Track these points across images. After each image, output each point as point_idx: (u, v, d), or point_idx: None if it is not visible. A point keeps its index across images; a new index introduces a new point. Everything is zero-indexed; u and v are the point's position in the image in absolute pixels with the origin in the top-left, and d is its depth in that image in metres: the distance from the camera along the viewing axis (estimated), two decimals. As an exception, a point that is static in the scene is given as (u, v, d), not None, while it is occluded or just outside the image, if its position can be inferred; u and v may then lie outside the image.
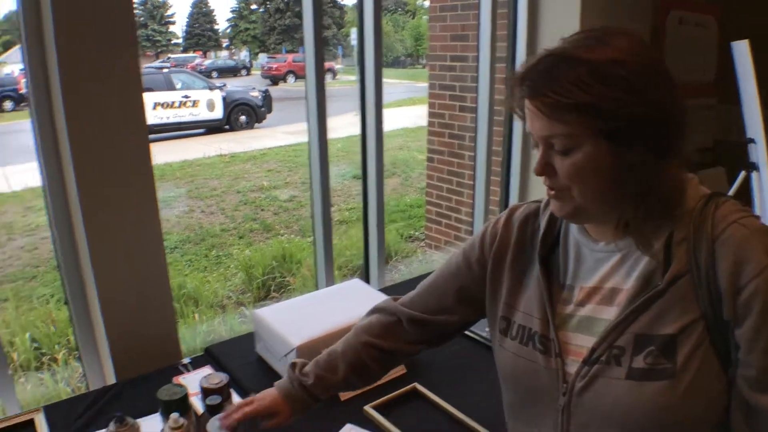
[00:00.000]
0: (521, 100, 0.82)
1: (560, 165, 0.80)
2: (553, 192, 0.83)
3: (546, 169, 0.81)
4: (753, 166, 2.41)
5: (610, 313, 0.84)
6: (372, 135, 2.29)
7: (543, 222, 0.94)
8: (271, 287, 4.09)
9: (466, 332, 1.72)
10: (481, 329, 1.72)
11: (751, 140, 2.35)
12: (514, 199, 2.91)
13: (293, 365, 1.10)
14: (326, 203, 2.22)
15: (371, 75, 2.22)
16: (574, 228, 0.91)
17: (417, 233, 5.18)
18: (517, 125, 2.81)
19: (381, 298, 1.65)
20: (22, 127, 8.08)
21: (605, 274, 0.85)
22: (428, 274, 1.14)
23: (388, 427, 1.33)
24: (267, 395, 1.07)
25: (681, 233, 0.79)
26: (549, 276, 0.91)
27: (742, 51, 2.30)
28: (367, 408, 1.39)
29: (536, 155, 0.83)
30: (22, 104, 10.91)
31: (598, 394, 0.82)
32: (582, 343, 0.85)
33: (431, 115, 3.80)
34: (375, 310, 1.16)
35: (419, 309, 1.09)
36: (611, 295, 0.84)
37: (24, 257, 4.56)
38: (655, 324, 0.79)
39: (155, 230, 1.66)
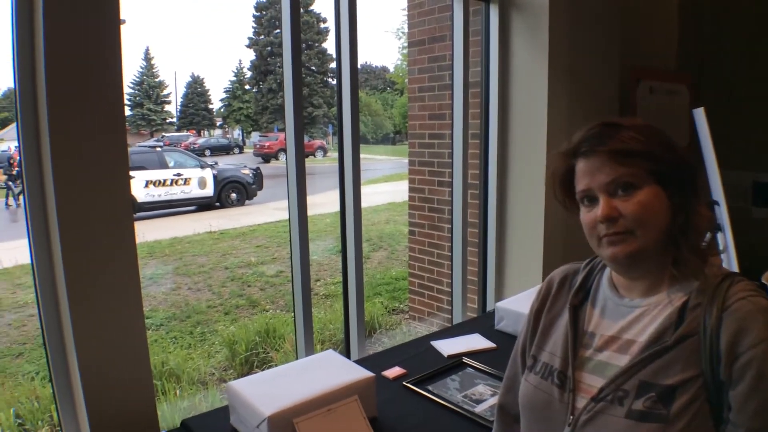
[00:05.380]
0: (572, 165, 1.00)
1: (625, 207, 0.94)
2: (617, 236, 0.95)
3: (612, 212, 0.94)
4: (718, 227, 2.51)
5: (622, 361, 0.96)
6: (350, 211, 2.37)
7: (580, 278, 1.10)
8: (254, 363, 4.06)
9: (443, 403, 1.74)
10: (452, 397, 1.75)
11: (715, 202, 2.45)
12: (491, 269, 2.97)
13: None
14: (306, 277, 2.27)
15: (349, 152, 2.33)
16: (605, 284, 1.06)
17: (402, 306, 5.19)
18: (492, 198, 2.92)
19: (353, 368, 1.69)
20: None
21: (625, 326, 0.98)
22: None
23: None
24: None
25: (696, 300, 0.92)
26: (576, 323, 1.05)
27: (700, 117, 2.42)
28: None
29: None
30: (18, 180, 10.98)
31: (598, 428, 0.93)
32: (594, 383, 0.98)
33: (412, 190, 3.92)
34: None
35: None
36: (627, 345, 0.97)
37: (11, 334, 4.55)
38: (659, 374, 0.90)
39: (137, 309, 1.70)
